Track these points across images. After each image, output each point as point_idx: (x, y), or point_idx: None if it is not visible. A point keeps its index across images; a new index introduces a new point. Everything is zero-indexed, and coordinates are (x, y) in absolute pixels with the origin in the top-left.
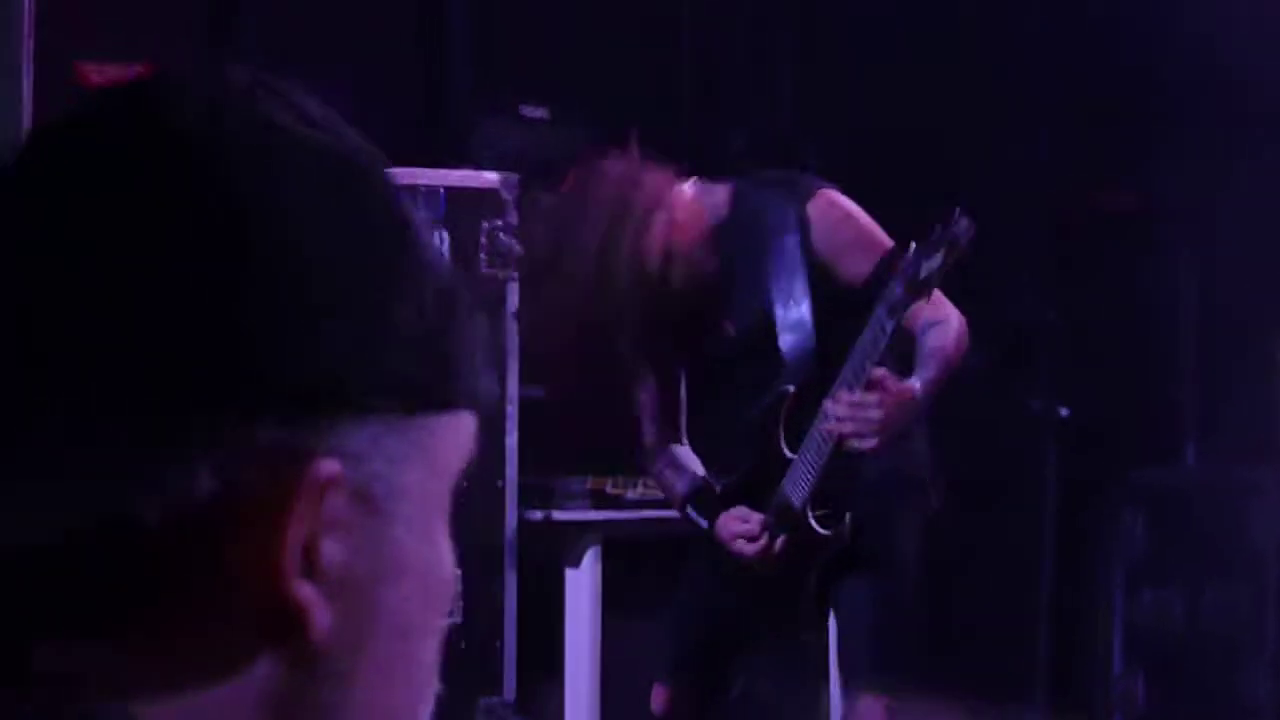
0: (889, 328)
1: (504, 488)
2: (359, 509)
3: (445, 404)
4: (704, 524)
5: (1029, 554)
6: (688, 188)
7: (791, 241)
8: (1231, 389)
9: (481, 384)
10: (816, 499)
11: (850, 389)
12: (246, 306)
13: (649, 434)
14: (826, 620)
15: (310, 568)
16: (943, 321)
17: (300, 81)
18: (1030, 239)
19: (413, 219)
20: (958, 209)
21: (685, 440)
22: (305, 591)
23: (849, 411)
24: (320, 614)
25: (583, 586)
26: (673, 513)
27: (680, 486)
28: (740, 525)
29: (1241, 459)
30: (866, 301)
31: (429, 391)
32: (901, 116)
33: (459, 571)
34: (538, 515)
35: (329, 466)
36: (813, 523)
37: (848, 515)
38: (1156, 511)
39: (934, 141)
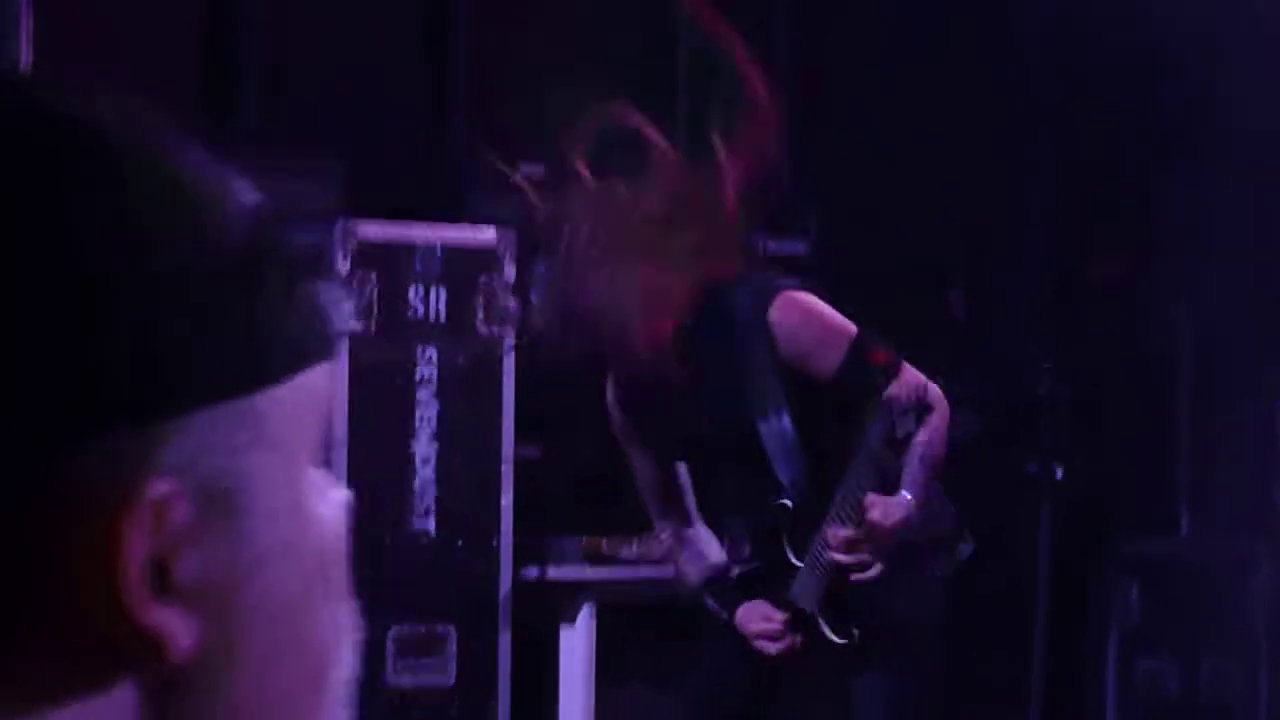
0: (872, 471)
1: (499, 547)
2: (207, 513)
3: (272, 375)
4: (724, 616)
5: (1022, 620)
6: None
7: (760, 348)
8: (1226, 460)
9: (319, 339)
10: (826, 608)
11: (843, 523)
12: (40, 324)
13: (655, 510)
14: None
15: (165, 586)
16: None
17: (299, 132)
18: (1028, 305)
19: (204, 179)
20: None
21: (696, 522)
22: (160, 615)
23: (846, 553)
24: (181, 633)
25: (577, 646)
26: (667, 572)
27: (694, 576)
28: (764, 625)
29: (1236, 530)
30: (841, 392)
31: (252, 374)
32: (900, 184)
33: (453, 629)
34: (533, 574)
35: (160, 486)
36: (826, 631)
37: (855, 632)
38: (1150, 581)
39: (933, 210)
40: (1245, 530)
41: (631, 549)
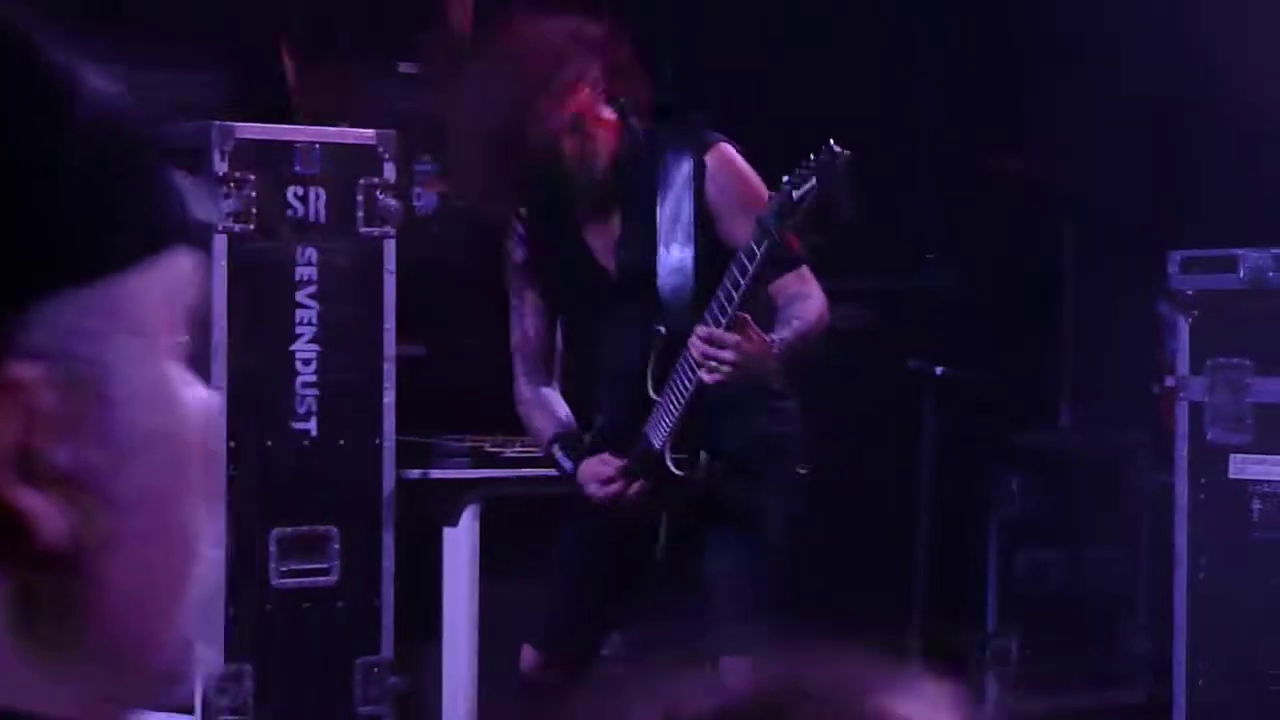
0: (759, 252)
1: (381, 446)
2: (74, 401)
3: (122, 260)
4: (568, 467)
5: (905, 513)
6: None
7: (685, 189)
8: (1108, 353)
9: (173, 222)
10: (675, 440)
11: (716, 323)
12: None
13: (520, 372)
14: (675, 574)
15: (35, 473)
16: (808, 297)
17: (182, 34)
18: (915, 201)
19: (61, 69)
20: (831, 140)
21: (555, 384)
22: (27, 499)
23: (704, 345)
24: (51, 520)
25: (461, 546)
26: (553, 471)
27: (547, 430)
28: (599, 468)
29: (1117, 422)
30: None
31: (100, 257)
32: (786, 79)
33: (337, 529)
34: (415, 474)
35: (24, 370)
36: (669, 464)
37: (703, 455)
38: (1033, 473)
39: (820, 104)
40: (1126, 422)
41: (515, 447)
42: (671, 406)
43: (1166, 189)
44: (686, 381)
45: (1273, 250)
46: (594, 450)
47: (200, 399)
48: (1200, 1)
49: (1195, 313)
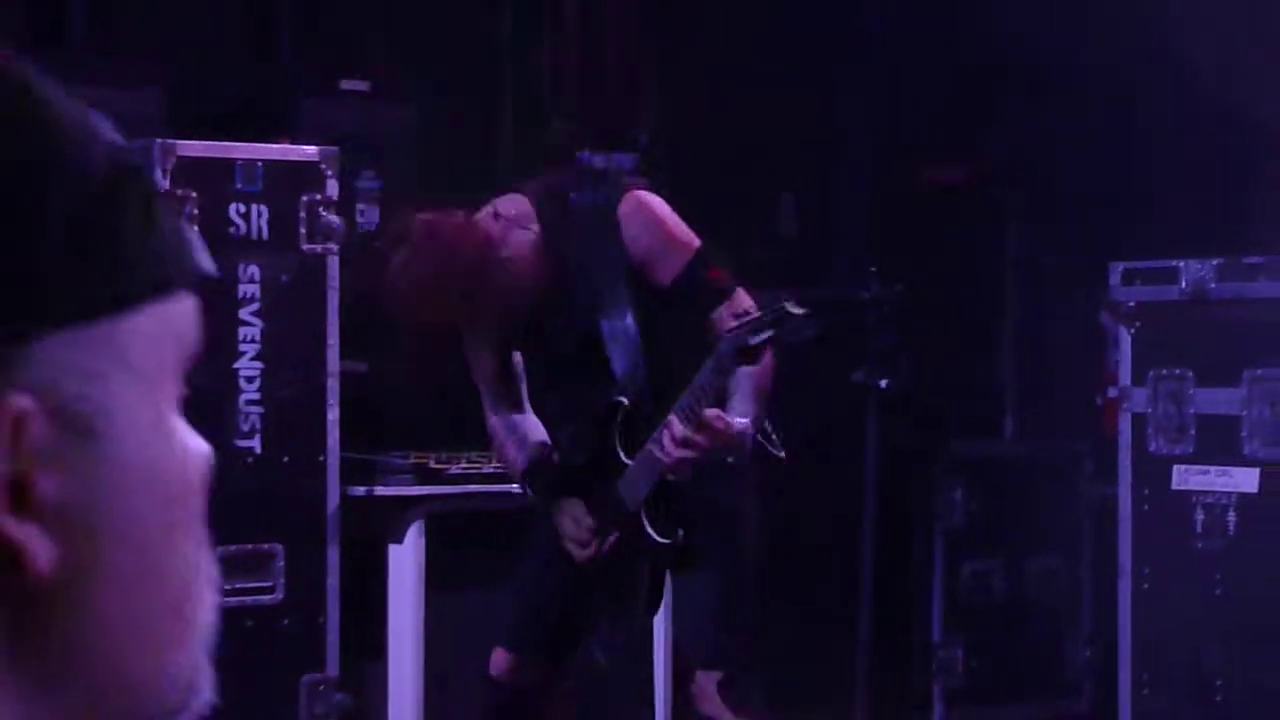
0: (717, 381)
1: (325, 462)
2: (67, 436)
3: (122, 300)
4: (545, 505)
5: (850, 524)
6: (506, 208)
7: (610, 248)
8: (1051, 364)
9: (173, 268)
10: (651, 505)
11: (685, 422)
12: None
13: (488, 405)
14: (659, 605)
15: (25, 505)
16: None
17: (125, 49)
18: (855, 212)
19: (64, 112)
20: (794, 302)
21: (526, 407)
22: (17, 529)
23: (676, 450)
24: (41, 551)
25: (406, 562)
26: (497, 487)
27: (519, 461)
28: (572, 528)
29: (1059, 433)
30: (680, 301)
31: (99, 297)
32: (729, 95)
33: (281, 547)
34: (360, 491)
35: (17, 399)
36: (648, 528)
37: (680, 532)
38: (975, 483)
39: (763, 120)
40: (1069, 432)
41: (460, 464)
42: (644, 475)
43: (1111, 198)
44: (656, 460)
45: (1213, 261)
46: (565, 488)
47: (195, 448)
48: (1149, 13)
49: (1137, 324)
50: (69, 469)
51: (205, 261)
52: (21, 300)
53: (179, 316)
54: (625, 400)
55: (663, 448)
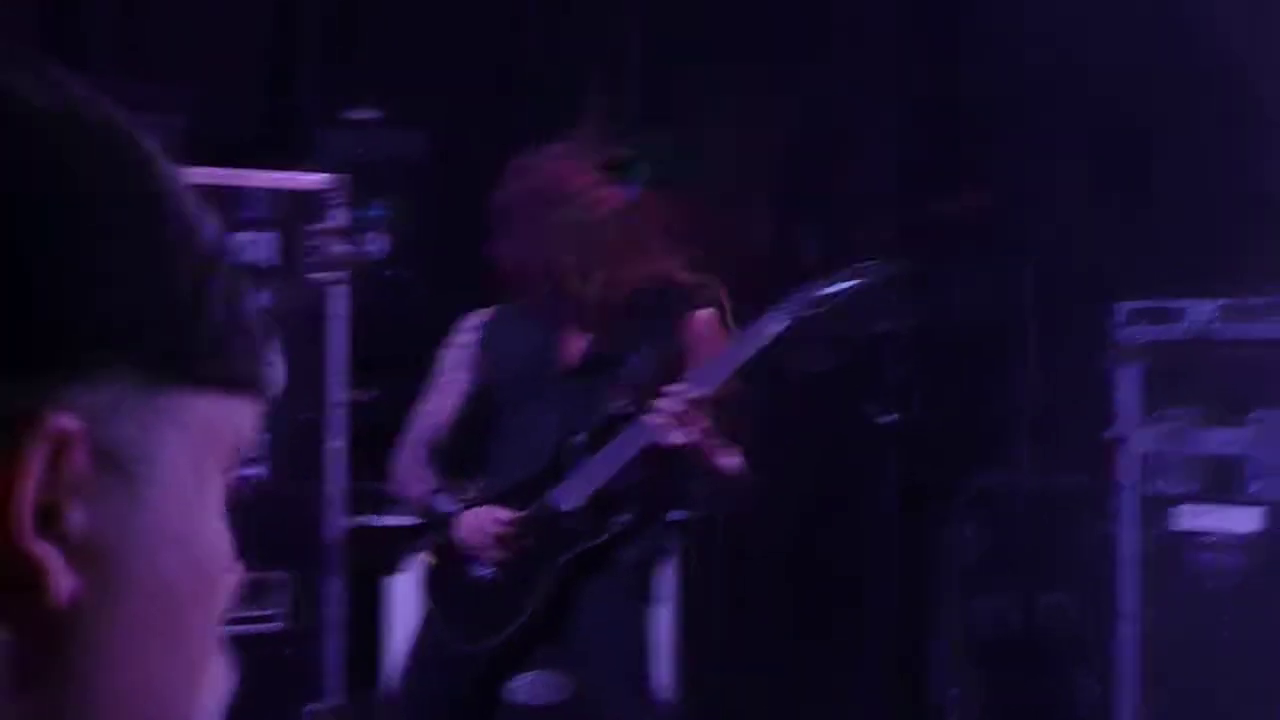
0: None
1: (330, 492)
2: (106, 472)
3: (198, 379)
4: (451, 508)
5: (861, 559)
6: None
7: (661, 337)
8: (1062, 400)
9: (252, 371)
10: (590, 502)
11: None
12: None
13: (413, 439)
14: (560, 627)
15: (52, 530)
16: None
17: (145, 83)
18: (875, 243)
19: (176, 188)
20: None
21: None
22: (42, 550)
23: (682, 404)
24: (62, 577)
25: (409, 590)
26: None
27: (427, 483)
28: (487, 518)
29: (1070, 469)
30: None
31: (176, 363)
32: (749, 123)
33: (285, 575)
34: (365, 520)
35: (65, 421)
36: (574, 524)
37: (613, 520)
38: (988, 518)
39: (783, 151)
40: (1080, 468)
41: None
42: (601, 471)
43: (1125, 235)
44: (629, 448)
45: (1218, 301)
46: (480, 504)
47: (230, 551)
48: (1158, 45)
49: (1142, 364)
50: (104, 507)
51: (279, 376)
52: (113, 329)
53: (243, 415)
54: (624, 405)
55: (648, 421)
